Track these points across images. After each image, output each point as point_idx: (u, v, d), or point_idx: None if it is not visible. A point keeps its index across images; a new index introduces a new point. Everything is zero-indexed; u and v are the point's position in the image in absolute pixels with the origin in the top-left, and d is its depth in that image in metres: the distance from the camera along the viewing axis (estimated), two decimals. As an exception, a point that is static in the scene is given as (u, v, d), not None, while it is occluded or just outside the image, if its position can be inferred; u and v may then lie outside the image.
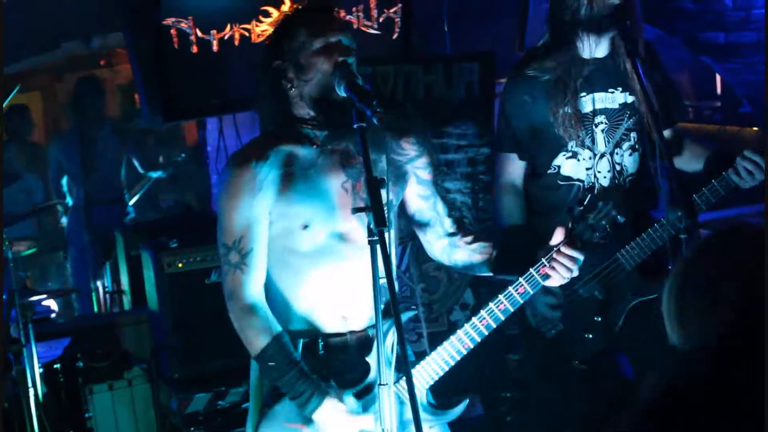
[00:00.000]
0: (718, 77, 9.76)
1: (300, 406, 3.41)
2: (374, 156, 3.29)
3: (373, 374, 3.52)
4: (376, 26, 6.41)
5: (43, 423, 5.05)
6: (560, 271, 3.46)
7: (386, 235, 3.02)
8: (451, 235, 3.75)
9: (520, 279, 3.49)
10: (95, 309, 8.13)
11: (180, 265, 5.78)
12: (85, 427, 5.65)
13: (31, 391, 4.98)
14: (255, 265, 3.48)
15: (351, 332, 3.56)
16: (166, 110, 6.21)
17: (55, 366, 5.52)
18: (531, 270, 3.48)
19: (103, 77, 10.45)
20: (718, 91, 9.89)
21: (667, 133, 4.42)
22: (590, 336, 4.35)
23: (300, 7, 3.70)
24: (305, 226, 3.46)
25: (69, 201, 8.75)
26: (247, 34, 6.15)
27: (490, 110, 5.76)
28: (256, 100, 3.69)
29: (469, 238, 3.73)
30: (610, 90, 4.33)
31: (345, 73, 3.31)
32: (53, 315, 7.03)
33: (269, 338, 3.42)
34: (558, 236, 3.47)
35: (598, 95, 4.32)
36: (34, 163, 9.28)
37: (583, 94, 4.31)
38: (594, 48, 4.29)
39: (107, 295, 8.02)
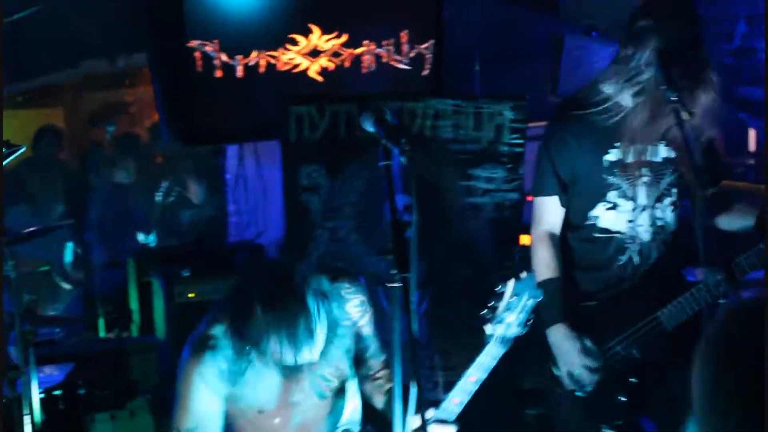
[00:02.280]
0: (751, 134, 9.56)
1: None
2: (323, 308, 3.27)
3: None
4: (406, 61, 6.31)
5: (38, 452, 4.86)
6: None
7: (408, 281, 2.88)
8: (368, 368, 3.75)
9: None
10: (102, 334, 7.96)
11: (191, 295, 5.69)
12: (85, 456, 5.46)
13: (27, 419, 4.78)
14: None
15: None
16: (187, 134, 6.09)
17: (55, 392, 5.34)
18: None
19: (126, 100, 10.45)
20: (752, 148, 9.67)
21: (711, 191, 4.25)
22: (624, 399, 4.20)
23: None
24: (260, 411, 3.48)
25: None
26: (273, 61, 6.07)
27: (520, 155, 5.59)
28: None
29: (380, 375, 3.74)
30: (653, 143, 4.22)
31: (373, 106, 3.14)
32: (57, 337, 6.83)
33: None
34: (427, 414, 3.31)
35: (640, 146, 4.20)
36: (51, 183, 9.19)
37: (627, 143, 4.19)
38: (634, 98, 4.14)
39: (114, 321, 7.86)
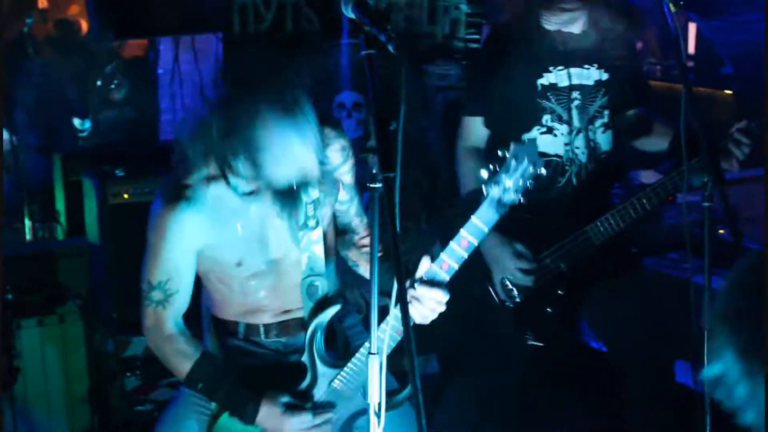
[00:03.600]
0: (691, 35, 9.43)
1: (239, 416, 3.43)
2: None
3: (308, 376, 3.50)
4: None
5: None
6: (419, 308, 3.21)
7: (392, 181, 2.68)
8: (352, 231, 3.73)
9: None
10: (27, 236, 7.63)
11: (125, 196, 5.46)
12: (11, 365, 5.20)
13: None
14: (179, 302, 3.47)
15: (292, 319, 3.59)
16: (118, 26, 5.76)
17: (-20, 299, 5.06)
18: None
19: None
20: (691, 49, 9.55)
21: (632, 112, 4.54)
22: (550, 310, 4.31)
23: None
24: (238, 264, 3.45)
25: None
26: (214, -56, 5.70)
27: (475, 52, 5.40)
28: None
29: (365, 241, 3.70)
30: (585, 66, 4.32)
31: None
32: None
33: (193, 361, 3.43)
34: (423, 266, 3.22)
35: (574, 70, 4.30)
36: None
37: (560, 68, 4.29)
38: (569, 23, 4.27)
39: (39, 223, 7.53)
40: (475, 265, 4.27)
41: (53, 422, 5.66)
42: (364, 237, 3.70)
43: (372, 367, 2.80)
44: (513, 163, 3.03)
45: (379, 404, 2.79)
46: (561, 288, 4.29)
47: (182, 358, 3.44)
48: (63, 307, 5.69)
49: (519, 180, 3.05)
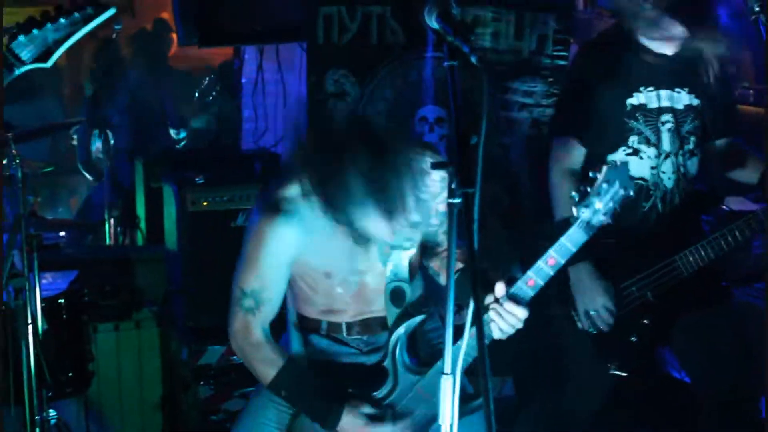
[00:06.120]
0: (788, 59, 9.18)
1: (320, 423, 3.43)
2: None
3: (389, 382, 3.50)
4: (439, -40, 5.92)
5: (41, 363, 4.58)
6: (500, 324, 3.19)
7: (472, 197, 2.65)
8: (436, 244, 3.67)
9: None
10: (107, 241, 7.68)
11: (205, 203, 5.44)
12: (86, 369, 5.19)
13: (30, 328, 4.51)
14: (269, 309, 3.49)
15: (373, 318, 3.59)
16: (203, 33, 5.78)
17: (59, 301, 5.06)
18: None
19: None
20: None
21: (723, 141, 4.40)
22: (635, 339, 4.22)
23: None
24: (327, 275, 3.49)
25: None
26: (299, -46, 5.67)
27: (562, 68, 5.30)
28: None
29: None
30: (676, 89, 4.24)
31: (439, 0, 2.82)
32: (62, 242, 6.55)
33: (278, 368, 3.45)
34: (499, 290, 3.19)
35: (663, 92, 4.22)
36: (51, 83, 8.84)
37: (651, 88, 4.21)
38: (662, 44, 4.16)
39: (119, 228, 7.58)
40: (557, 288, 4.21)
41: (126, 427, 5.69)
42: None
43: (445, 388, 2.71)
44: (605, 186, 3.01)
45: (451, 427, 2.70)
46: (647, 317, 4.19)
47: (267, 366, 3.45)
48: (139, 313, 5.71)
49: (609, 203, 3.01)
